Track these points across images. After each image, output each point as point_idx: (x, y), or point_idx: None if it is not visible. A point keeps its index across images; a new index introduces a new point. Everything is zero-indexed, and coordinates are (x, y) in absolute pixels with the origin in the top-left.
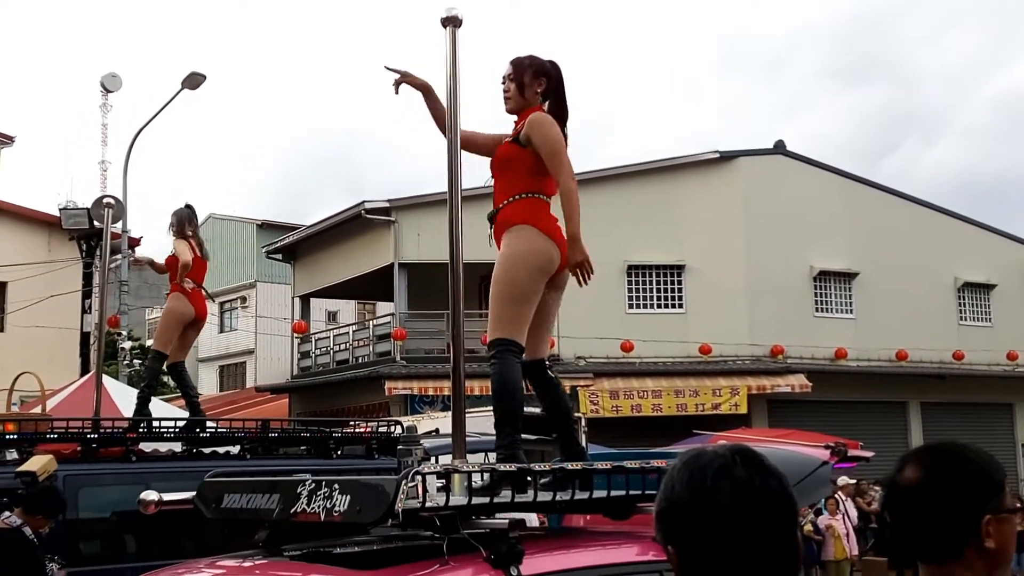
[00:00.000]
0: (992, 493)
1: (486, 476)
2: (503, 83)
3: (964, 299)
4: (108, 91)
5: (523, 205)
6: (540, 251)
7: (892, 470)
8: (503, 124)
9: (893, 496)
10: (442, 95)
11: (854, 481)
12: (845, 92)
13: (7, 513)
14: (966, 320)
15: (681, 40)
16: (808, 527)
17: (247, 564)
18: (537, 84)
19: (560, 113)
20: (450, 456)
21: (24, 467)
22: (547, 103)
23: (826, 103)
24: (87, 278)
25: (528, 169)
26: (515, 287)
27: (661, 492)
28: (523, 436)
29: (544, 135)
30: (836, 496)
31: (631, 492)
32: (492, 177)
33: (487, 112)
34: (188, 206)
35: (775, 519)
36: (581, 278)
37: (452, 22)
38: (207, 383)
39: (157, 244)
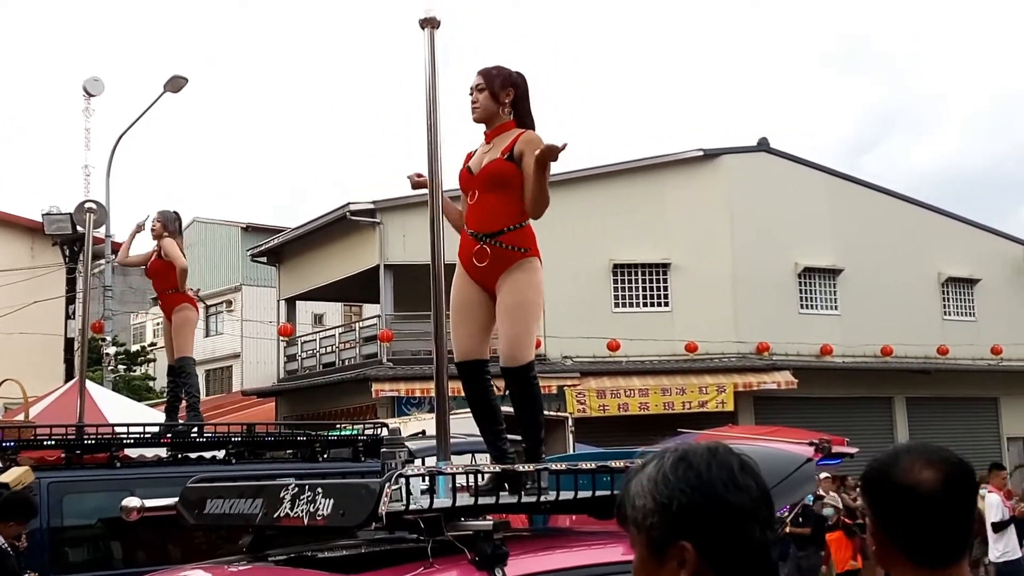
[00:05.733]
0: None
1: (470, 477)
2: (471, 93)
3: (948, 294)
4: (90, 95)
5: (529, 233)
6: (543, 285)
7: (890, 472)
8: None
9: (904, 499)
10: (421, 95)
11: (827, 475)
12: (830, 86)
13: None
14: (950, 315)
15: (664, 38)
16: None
17: (232, 569)
18: (505, 94)
19: (525, 123)
20: (435, 458)
21: None
22: (512, 114)
23: (810, 97)
24: (70, 283)
25: (522, 190)
26: (539, 313)
27: (675, 484)
28: (509, 437)
29: (536, 149)
30: (820, 492)
31: (616, 492)
32: (472, 191)
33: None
34: (175, 211)
35: (772, 516)
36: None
37: (430, 23)
38: None
39: (141, 249)
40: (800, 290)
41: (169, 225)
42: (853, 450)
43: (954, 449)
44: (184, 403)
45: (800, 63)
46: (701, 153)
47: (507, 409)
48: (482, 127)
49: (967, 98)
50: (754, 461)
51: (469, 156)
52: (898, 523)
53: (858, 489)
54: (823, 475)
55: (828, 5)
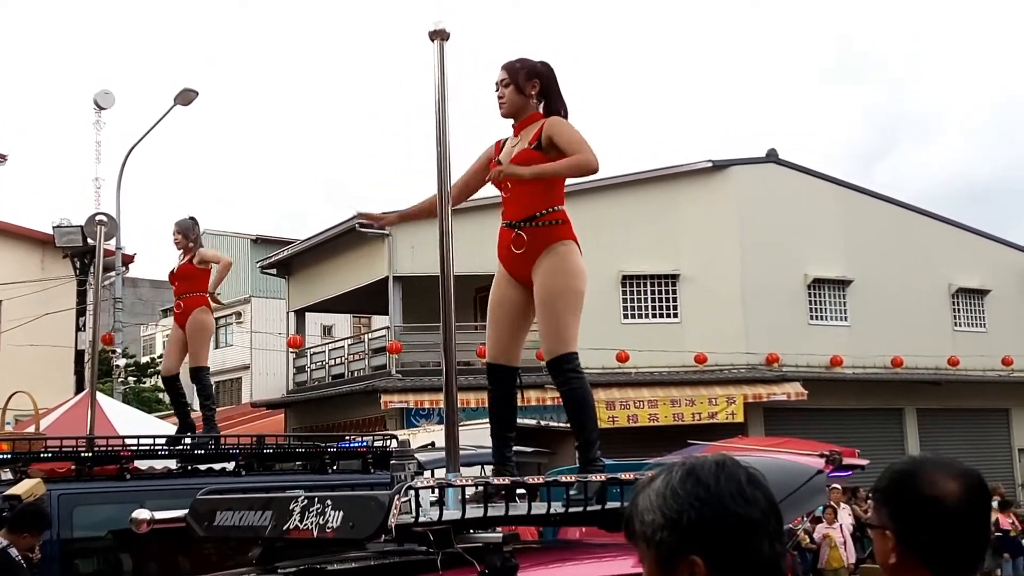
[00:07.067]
0: None
1: (480, 489)
2: (496, 89)
3: (958, 305)
4: (101, 108)
5: (565, 217)
6: (584, 269)
7: (914, 484)
8: (497, 130)
9: (929, 510)
10: (427, 104)
11: (839, 486)
12: (837, 96)
13: None
14: (961, 326)
15: (672, 49)
16: (804, 537)
17: None
18: (531, 86)
19: (558, 111)
20: (445, 469)
21: (10, 491)
22: (542, 104)
23: (818, 108)
24: (81, 295)
25: (557, 179)
26: (579, 300)
27: (684, 499)
28: (520, 448)
29: (568, 133)
30: (832, 504)
31: (626, 504)
32: (504, 184)
33: (482, 120)
34: (192, 217)
35: (782, 529)
36: (495, 176)
37: (439, 35)
38: None
39: (151, 260)
40: (810, 301)
41: (190, 234)
42: (864, 462)
43: (966, 461)
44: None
45: (807, 73)
46: (710, 164)
47: (523, 421)
48: (503, 120)
49: (973, 106)
50: (761, 474)
51: (499, 145)
52: (922, 534)
53: (870, 500)
54: (834, 487)
55: (834, 16)
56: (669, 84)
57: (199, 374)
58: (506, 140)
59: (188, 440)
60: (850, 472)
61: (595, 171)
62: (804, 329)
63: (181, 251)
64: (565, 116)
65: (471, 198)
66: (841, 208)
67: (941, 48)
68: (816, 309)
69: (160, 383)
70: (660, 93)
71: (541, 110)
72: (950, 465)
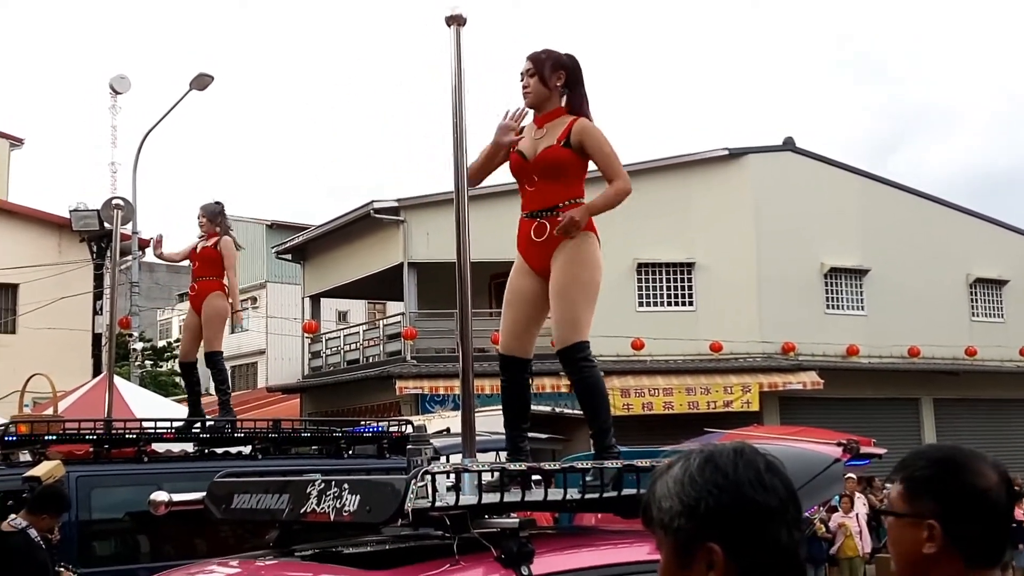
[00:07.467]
0: None
1: (496, 475)
2: (522, 79)
3: (976, 295)
4: (117, 93)
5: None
6: (602, 262)
7: (962, 475)
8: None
9: (978, 501)
10: (447, 92)
11: (854, 476)
12: (854, 87)
13: (13, 516)
14: (978, 316)
15: (688, 37)
16: (819, 526)
17: (258, 564)
18: (556, 77)
19: (582, 105)
20: (460, 455)
21: (30, 472)
22: (565, 96)
23: (834, 97)
24: (98, 279)
25: (580, 175)
26: (595, 291)
27: (702, 486)
28: (534, 435)
29: (602, 147)
30: (848, 493)
31: (642, 490)
32: (530, 178)
33: (491, 108)
34: (218, 202)
35: (800, 516)
36: (563, 229)
37: (456, 20)
38: None
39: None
40: (826, 290)
41: (214, 219)
42: (881, 451)
43: (984, 451)
44: (218, 399)
45: (823, 63)
46: (726, 152)
47: (537, 408)
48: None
49: (988, 100)
50: (780, 461)
51: (518, 132)
52: (970, 525)
53: (887, 489)
54: (849, 476)
55: (846, 12)
56: (685, 72)
57: (214, 359)
58: (524, 129)
59: (203, 425)
60: (867, 461)
61: (629, 194)
62: (820, 318)
63: (205, 234)
64: (587, 109)
65: (486, 184)
66: (858, 197)
67: (955, 44)
68: (832, 298)
69: (177, 367)
70: (676, 81)
71: (564, 102)
72: (984, 456)
